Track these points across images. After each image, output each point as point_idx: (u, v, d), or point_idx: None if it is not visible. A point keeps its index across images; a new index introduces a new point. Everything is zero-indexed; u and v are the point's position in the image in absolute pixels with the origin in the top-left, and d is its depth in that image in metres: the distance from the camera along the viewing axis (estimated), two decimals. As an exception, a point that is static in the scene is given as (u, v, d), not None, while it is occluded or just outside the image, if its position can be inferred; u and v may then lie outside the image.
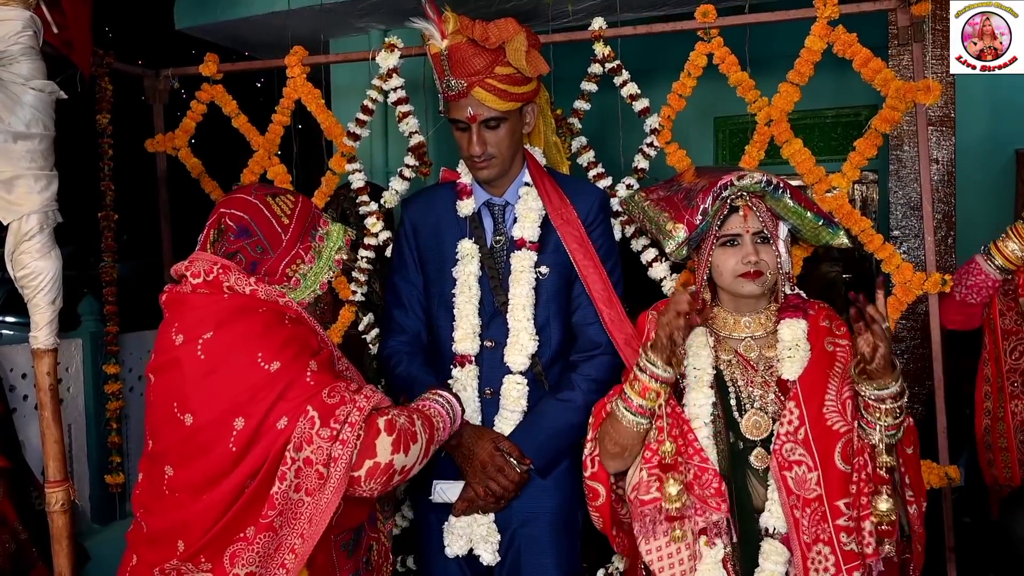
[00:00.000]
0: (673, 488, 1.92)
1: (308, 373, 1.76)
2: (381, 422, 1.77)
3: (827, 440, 1.95)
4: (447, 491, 2.22)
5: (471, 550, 2.28)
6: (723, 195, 2.06)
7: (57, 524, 2.62)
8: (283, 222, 1.95)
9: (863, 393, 1.89)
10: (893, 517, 1.89)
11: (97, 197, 3.40)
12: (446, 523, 2.30)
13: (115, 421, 3.57)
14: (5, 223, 2.49)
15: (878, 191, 5.52)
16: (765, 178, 2.06)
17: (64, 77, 2.68)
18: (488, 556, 2.27)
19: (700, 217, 2.05)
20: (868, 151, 2.64)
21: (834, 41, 2.61)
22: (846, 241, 2.21)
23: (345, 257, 2.03)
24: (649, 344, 1.95)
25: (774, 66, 2.83)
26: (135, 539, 1.88)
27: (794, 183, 2.19)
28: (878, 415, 1.88)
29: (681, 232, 2.07)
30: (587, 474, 2.13)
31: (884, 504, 1.88)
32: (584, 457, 2.14)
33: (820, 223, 2.13)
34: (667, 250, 2.14)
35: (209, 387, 1.76)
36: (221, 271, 1.87)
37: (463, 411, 2.16)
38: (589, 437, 2.14)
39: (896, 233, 3.79)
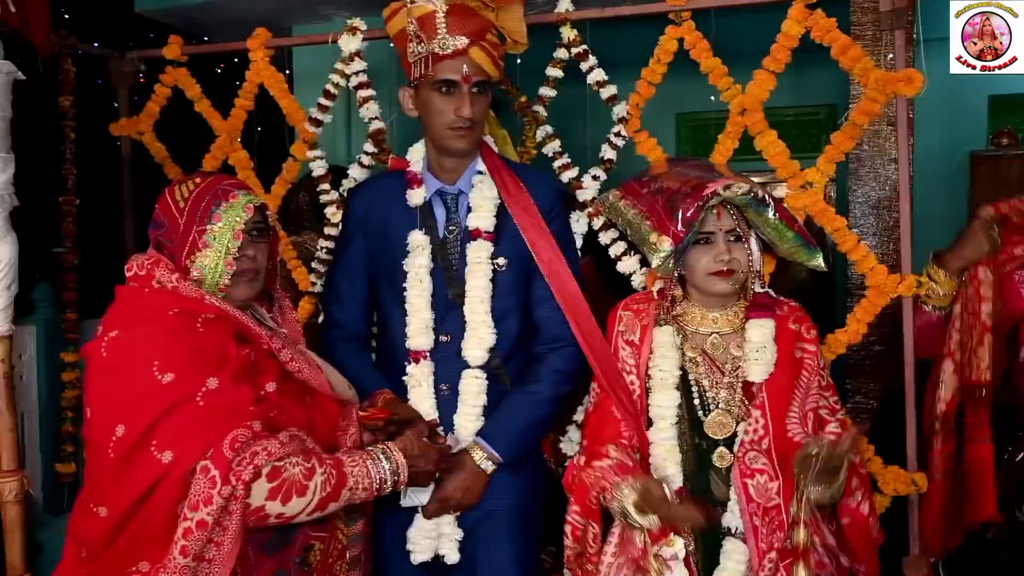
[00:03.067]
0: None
1: (201, 392, 1.69)
2: (266, 468, 1.68)
3: (789, 450, 1.97)
4: (418, 495, 2.17)
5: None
6: (708, 205, 2.02)
7: (10, 514, 2.58)
8: (179, 206, 1.86)
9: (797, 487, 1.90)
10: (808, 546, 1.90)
11: (51, 182, 3.34)
12: (410, 528, 2.25)
13: (71, 410, 3.51)
14: (-41, 206, 2.44)
15: (835, 189, 5.57)
16: (752, 191, 2.03)
17: (23, 59, 2.63)
18: (453, 555, 2.24)
19: (684, 228, 2.01)
20: (844, 145, 2.58)
21: (812, 26, 2.54)
22: (822, 264, 2.14)
23: (245, 228, 1.85)
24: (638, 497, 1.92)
25: (741, 61, 2.81)
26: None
27: (768, 177, 2.14)
28: (798, 506, 1.90)
29: (666, 245, 2.03)
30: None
31: (801, 534, 1.90)
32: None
33: (799, 244, 2.10)
34: (653, 264, 2.09)
35: (104, 386, 1.72)
36: (152, 265, 1.83)
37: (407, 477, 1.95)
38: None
39: (855, 231, 3.82)
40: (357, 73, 2.98)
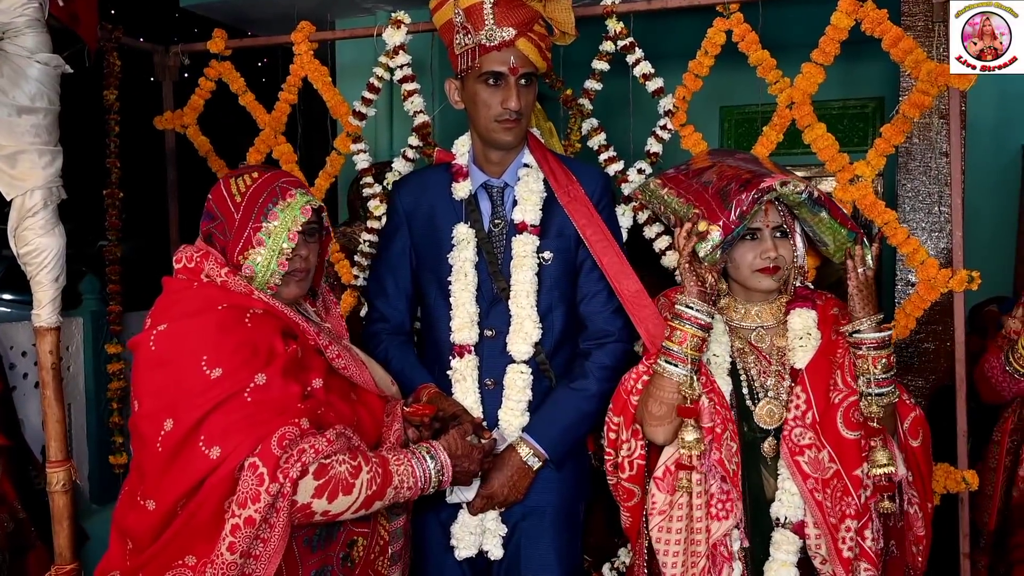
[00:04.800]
0: (690, 435, 1.95)
1: (249, 388, 1.69)
2: (313, 466, 1.68)
3: (830, 414, 1.96)
4: (463, 491, 2.16)
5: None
6: (763, 200, 1.99)
7: (58, 504, 2.61)
8: (235, 200, 1.84)
9: (849, 339, 1.97)
10: (892, 468, 1.91)
11: (97, 175, 3.37)
12: (454, 524, 2.24)
13: (116, 401, 3.55)
14: (8, 198, 2.47)
15: (883, 184, 5.48)
16: (807, 190, 1.99)
17: (71, 52, 2.65)
18: (497, 551, 2.22)
19: (736, 220, 1.97)
20: (895, 138, 2.55)
21: (862, 18, 2.51)
22: (871, 263, 2.07)
23: (301, 230, 1.85)
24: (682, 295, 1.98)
25: (788, 54, 2.77)
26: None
27: (814, 172, 2.10)
28: (865, 366, 1.93)
29: (716, 234, 1.98)
30: (624, 476, 2.11)
31: (880, 454, 1.91)
32: (621, 460, 2.11)
33: (852, 240, 2.04)
34: (700, 253, 2.03)
35: (153, 380, 1.72)
36: (201, 258, 1.82)
37: (451, 477, 1.96)
38: (624, 439, 2.10)
39: (904, 226, 3.76)
40: (401, 66, 2.97)
